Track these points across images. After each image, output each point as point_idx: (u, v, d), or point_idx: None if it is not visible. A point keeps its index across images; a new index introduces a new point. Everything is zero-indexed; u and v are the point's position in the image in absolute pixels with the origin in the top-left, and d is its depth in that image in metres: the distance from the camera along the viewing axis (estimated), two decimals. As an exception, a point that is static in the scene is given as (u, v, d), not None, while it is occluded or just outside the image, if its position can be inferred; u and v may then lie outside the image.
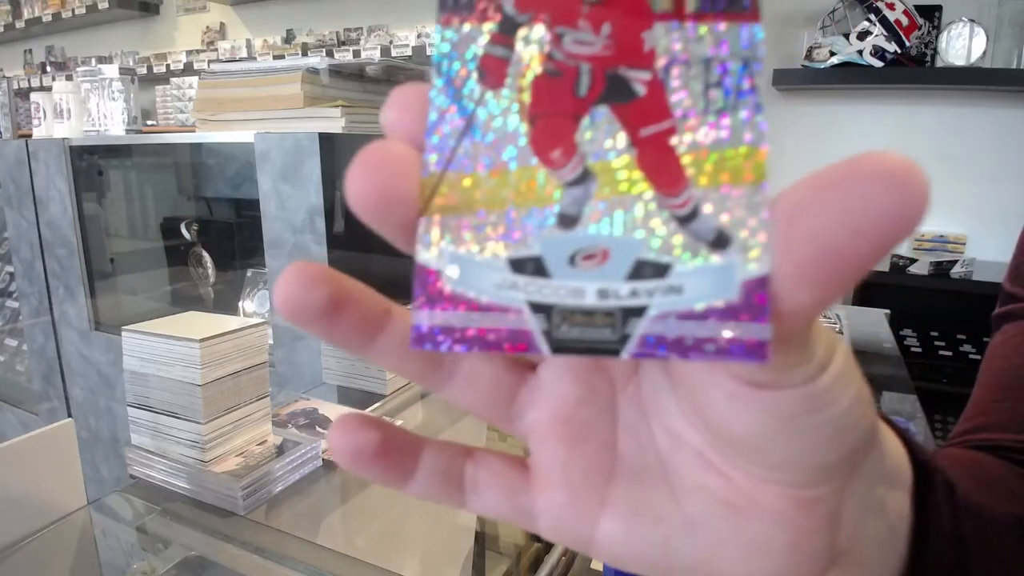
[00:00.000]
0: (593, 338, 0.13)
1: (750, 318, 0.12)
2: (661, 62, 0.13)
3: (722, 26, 0.13)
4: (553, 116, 0.13)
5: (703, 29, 0.13)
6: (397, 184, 0.13)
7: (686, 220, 0.12)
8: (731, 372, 0.14)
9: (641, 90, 0.13)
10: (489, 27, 0.13)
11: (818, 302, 0.12)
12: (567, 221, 0.13)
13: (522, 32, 0.13)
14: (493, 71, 0.13)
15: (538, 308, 0.13)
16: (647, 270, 0.13)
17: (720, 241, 0.12)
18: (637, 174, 0.13)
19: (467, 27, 0.13)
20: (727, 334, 0.12)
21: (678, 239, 0.12)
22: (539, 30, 0.13)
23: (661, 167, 0.13)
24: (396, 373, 0.15)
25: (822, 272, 0.11)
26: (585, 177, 0.13)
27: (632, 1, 0.13)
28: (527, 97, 0.13)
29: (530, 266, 0.13)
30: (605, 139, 0.13)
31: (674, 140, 0.13)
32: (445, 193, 0.13)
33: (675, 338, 0.12)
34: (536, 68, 0.13)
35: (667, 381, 0.16)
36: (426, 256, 0.13)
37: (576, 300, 0.13)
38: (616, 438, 0.17)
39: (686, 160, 0.13)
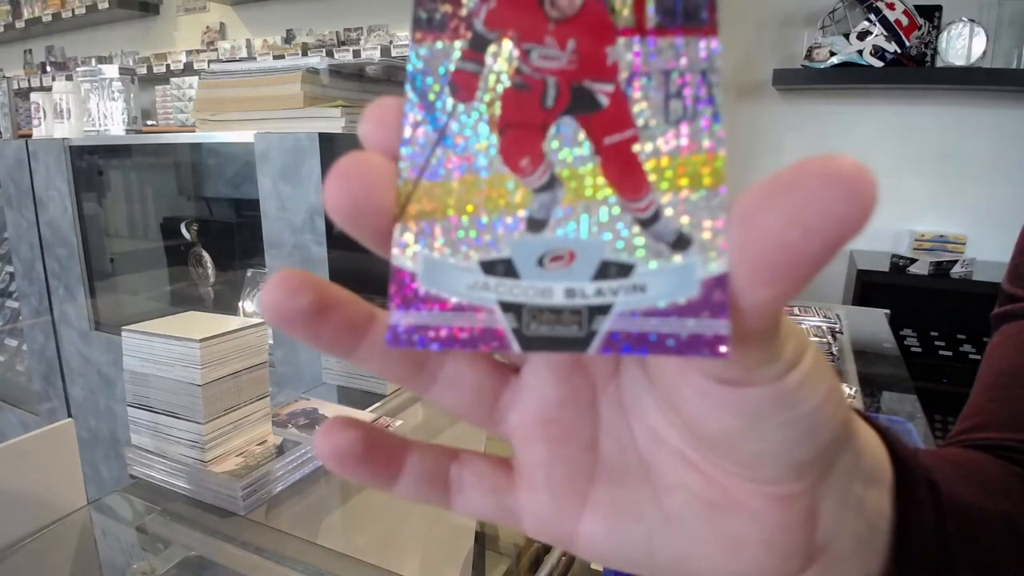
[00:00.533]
0: (561, 335, 0.13)
1: (710, 315, 0.13)
2: (623, 75, 0.14)
3: (680, 40, 0.13)
4: (521, 127, 0.14)
5: (663, 43, 0.13)
6: (372, 193, 0.13)
7: (648, 223, 0.13)
8: (702, 370, 0.14)
9: (605, 101, 0.14)
10: (460, 44, 0.14)
11: (775, 298, 0.12)
12: (535, 225, 0.14)
13: (491, 48, 0.14)
14: (464, 85, 0.14)
15: (508, 307, 0.13)
16: (612, 270, 0.13)
17: (681, 242, 0.13)
18: (601, 180, 0.13)
19: (439, 44, 0.14)
20: (688, 330, 0.13)
21: (641, 241, 0.13)
22: (507, 46, 0.14)
23: (624, 173, 0.13)
24: (381, 376, 0.16)
25: (777, 269, 0.12)
26: (552, 184, 0.14)
27: (595, 18, 0.14)
28: (497, 109, 0.14)
29: (500, 268, 0.14)
30: (571, 148, 0.14)
31: (636, 148, 0.13)
32: (419, 200, 0.14)
33: (639, 334, 0.13)
34: (505, 82, 0.14)
35: (645, 381, 0.17)
36: (401, 259, 0.14)
37: (544, 299, 0.13)
38: (597, 438, 0.18)
39: (648, 166, 0.13)
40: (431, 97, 0.14)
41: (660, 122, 0.13)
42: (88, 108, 1.52)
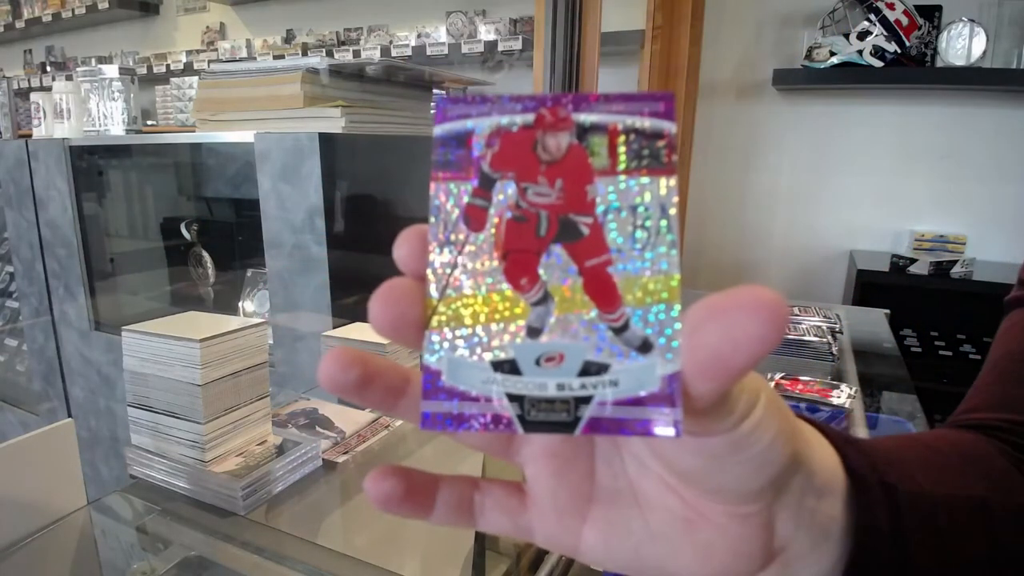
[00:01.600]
0: (554, 420, 0.17)
1: (667, 404, 0.16)
2: (600, 208, 0.17)
3: (645, 179, 0.17)
4: (520, 252, 0.17)
5: (632, 182, 0.17)
6: (405, 312, 0.17)
7: (620, 331, 0.17)
8: None
9: (586, 231, 0.17)
10: (472, 183, 0.17)
11: (716, 390, 0.16)
12: (533, 332, 0.17)
13: (496, 187, 0.17)
14: (475, 217, 0.17)
15: (513, 398, 0.17)
16: (592, 368, 0.17)
17: (645, 346, 0.16)
18: (584, 296, 0.17)
19: (454, 183, 0.18)
20: (650, 416, 0.16)
21: (614, 346, 0.17)
22: (509, 185, 0.17)
23: (601, 291, 0.17)
24: (416, 425, 0.19)
25: (715, 371, 0.16)
26: (546, 299, 0.17)
27: (578, 161, 0.17)
28: (501, 238, 0.17)
29: (506, 367, 0.17)
30: (559, 270, 0.17)
31: (611, 269, 0.17)
32: (442, 312, 0.17)
33: (613, 419, 0.17)
34: (507, 215, 0.17)
35: None
36: (430, 360, 0.17)
37: (541, 392, 0.17)
38: (594, 467, 0.22)
39: (620, 285, 0.17)
40: (449, 227, 0.17)
41: (629, 248, 0.17)
42: (88, 108, 1.52)
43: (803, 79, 1.95)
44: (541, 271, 0.17)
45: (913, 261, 1.76)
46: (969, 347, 1.76)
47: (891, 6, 1.76)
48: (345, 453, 0.77)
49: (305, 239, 1.13)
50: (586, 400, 0.17)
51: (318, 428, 0.82)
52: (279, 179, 1.13)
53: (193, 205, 1.79)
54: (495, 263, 0.17)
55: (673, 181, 0.17)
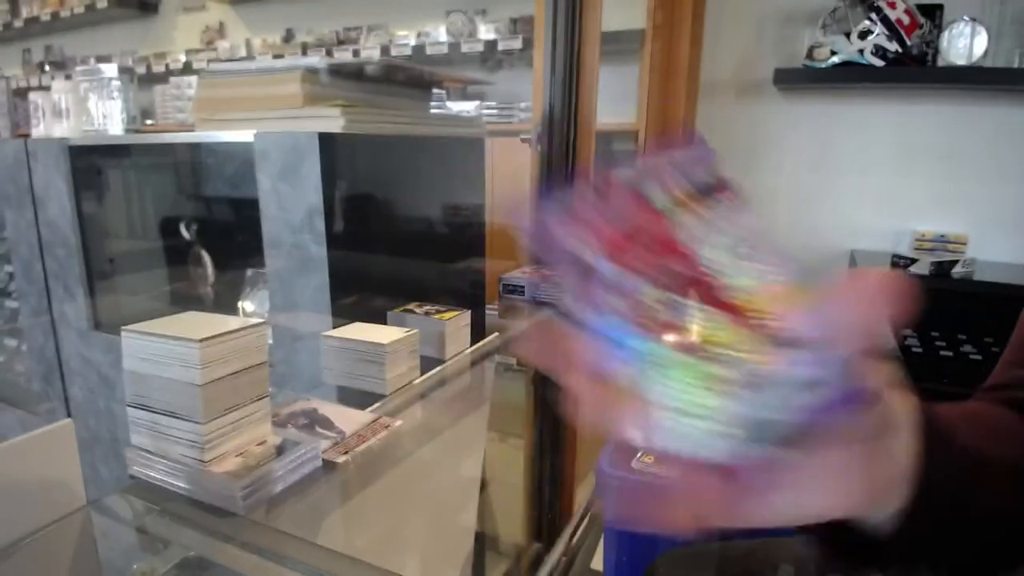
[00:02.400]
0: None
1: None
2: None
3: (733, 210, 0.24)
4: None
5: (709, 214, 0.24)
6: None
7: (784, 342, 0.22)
8: None
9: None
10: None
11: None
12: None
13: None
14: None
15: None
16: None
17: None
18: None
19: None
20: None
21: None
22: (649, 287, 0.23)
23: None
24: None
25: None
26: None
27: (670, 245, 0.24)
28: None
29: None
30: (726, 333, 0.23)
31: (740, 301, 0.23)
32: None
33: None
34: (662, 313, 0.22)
35: None
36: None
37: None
38: None
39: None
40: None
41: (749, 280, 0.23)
42: (87, 108, 1.51)
43: (804, 78, 1.95)
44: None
45: (914, 261, 1.75)
46: (970, 347, 1.76)
47: (892, 5, 1.76)
48: (345, 453, 0.77)
49: (304, 239, 1.13)
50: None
51: (318, 428, 0.81)
52: (279, 179, 1.13)
53: (192, 205, 1.79)
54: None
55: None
